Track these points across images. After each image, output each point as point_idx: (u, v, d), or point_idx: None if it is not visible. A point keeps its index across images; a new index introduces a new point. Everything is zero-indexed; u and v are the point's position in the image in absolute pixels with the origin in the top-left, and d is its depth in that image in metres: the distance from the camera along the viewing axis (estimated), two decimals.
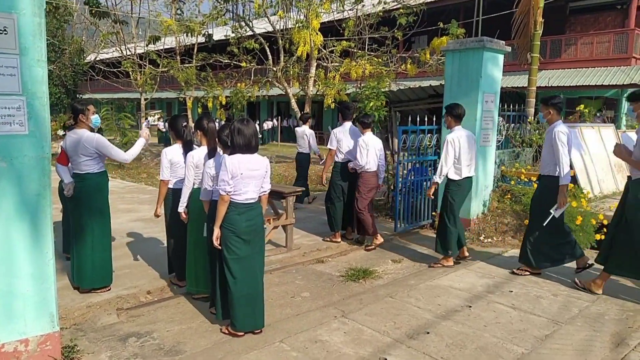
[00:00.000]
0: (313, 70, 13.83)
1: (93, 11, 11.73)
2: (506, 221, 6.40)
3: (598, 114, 15.17)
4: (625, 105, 17.68)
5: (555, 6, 16.76)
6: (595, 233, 5.75)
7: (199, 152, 4.06)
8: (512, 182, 6.94)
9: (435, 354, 3.34)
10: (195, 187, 4.06)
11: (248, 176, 3.43)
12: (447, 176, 5.06)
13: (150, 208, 8.10)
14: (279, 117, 27.54)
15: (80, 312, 3.94)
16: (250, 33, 14.36)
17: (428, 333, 3.65)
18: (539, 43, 9.71)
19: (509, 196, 6.77)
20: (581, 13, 19.91)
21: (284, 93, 14.93)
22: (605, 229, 5.78)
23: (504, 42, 6.71)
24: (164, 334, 3.60)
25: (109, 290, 4.35)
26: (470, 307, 4.16)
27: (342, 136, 6.09)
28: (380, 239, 5.92)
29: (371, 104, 9.00)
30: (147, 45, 15.33)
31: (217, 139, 3.76)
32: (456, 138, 4.95)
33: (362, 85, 11.83)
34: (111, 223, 4.43)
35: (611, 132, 9.19)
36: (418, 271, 5.14)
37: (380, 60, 13.54)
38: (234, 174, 3.36)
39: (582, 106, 9.57)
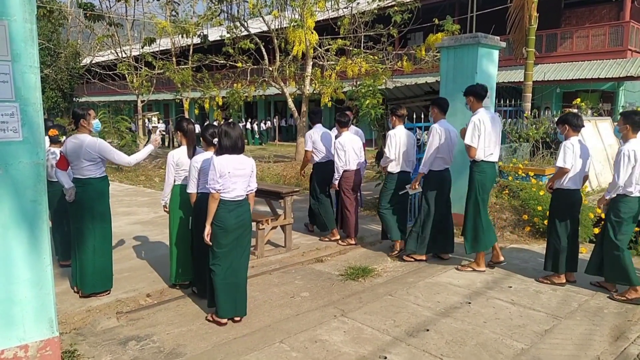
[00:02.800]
0: (309, 69, 13.79)
1: (87, 14, 11.68)
2: (504, 216, 6.41)
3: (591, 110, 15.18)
4: (622, 98, 17.72)
5: (549, 0, 16.77)
6: (593, 227, 5.75)
7: (179, 151, 4.40)
8: (510, 178, 6.95)
9: (435, 351, 3.34)
10: (176, 183, 4.41)
11: (235, 175, 3.66)
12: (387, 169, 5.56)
13: (149, 210, 8.10)
14: (277, 117, 27.51)
15: (80, 316, 3.93)
16: (245, 33, 14.33)
17: (428, 330, 3.66)
18: (534, 37, 9.71)
19: (507, 191, 6.78)
20: (576, 6, 19.90)
21: (280, 92, 14.90)
22: (602, 222, 5.79)
23: (499, 37, 6.71)
24: (164, 337, 3.60)
25: (109, 294, 4.35)
26: (469, 303, 4.17)
27: (317, 137, 6.26)
28: (353, 241, 6.04)
29: (367, 102, 9.01)
30: (142, 48, 15.27)
31: (201, 137, 4.15)
32: (397, 134, 5.44)
33: (358, 83, 11.83)
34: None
35: (608, 125, 9.21)
36: (417, 268, 5.15)
37: (376, 57, 13.52)
38: (222, 173, 3.60)
39: (578, 100, 9.58)
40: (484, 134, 4.77)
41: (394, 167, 5.49)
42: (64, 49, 19.68)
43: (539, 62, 17.35)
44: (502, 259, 5.06)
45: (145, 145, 4.60)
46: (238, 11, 14.01)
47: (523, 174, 6.86)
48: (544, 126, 7.93)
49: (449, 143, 5.15)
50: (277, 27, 13.92)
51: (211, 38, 14.93)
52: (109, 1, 14.28)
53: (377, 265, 5.24)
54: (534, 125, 7.84)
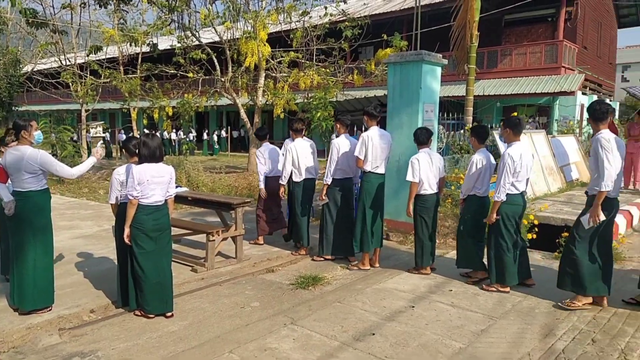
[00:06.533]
0: (262, 80, 13.87)
1: (30, 21, 11.19)
2: (447, 224, 6.72)
3: (530, 120, 16.16)
4: (557, 112, 18.98)
5: (491, 19, 17.78)
6: (527, 232, 6.14)
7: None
8: (453, 187, 7.30)
9: (380, 353, 3.49)
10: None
11: (154, 182, 4.02)
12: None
13: (93, 224, 7.85)
14: (229, 127, 27.33)
15: (19, 334, 3.78)
16: (196, 43, 14.23)
17: (374, 334, 3.80)
18: (475, 55, 10.28)
19: (450, 200, 7.12)
20: (515, 25, 21.20)
21: (232, 103, 14.87)
22: (536, 229, 6.22)
23: (442, 54, 7.08)
24: (110, 352, 3.53)
25: (50, 310, 4.20)
26: (413, 307, 4.36)
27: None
28: (260, 241, 6.63)
29: (319, 114, 9.21)
30: (87, 56, 14.79)
31: (124, 149, 4.45)
32: (293, 147, 6.01)
33: (310, 95, 12.02)
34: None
35: (542, 138, 9.87)
36: (365, 276, 5.31)
37: (327, 70, 13.80)
38: (140, 180, 3.95)
39: (515, 113, 10.22)
40: (372, 148, 5.34)
41: (297, 177, 6.03)
42: (2, 55, 18.72)
43: (480, 78, 18.30)
44: (377, 265, 5.63)
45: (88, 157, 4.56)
46: (189, 21, 13.91)
47: None
48: None
49: (348, 155, 5.62)
50: (229, 38, 13.93)
51: (161, 47, 14.71)
52: (53, 8, 13.79)
53: (327, 273, 5.36)
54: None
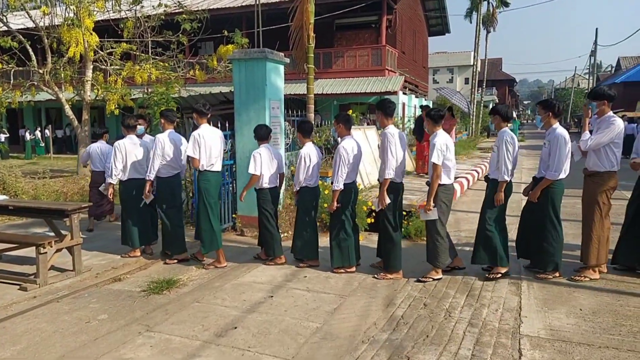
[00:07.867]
0: (89, 73, 12.52)
1: None
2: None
3: (362, 117, 17.84)
4: None
5: (324, 22, 18.98)
6: (367, 217, 6.82)
7: None
8: None
9: (243, 345, 3.55)
10: None
11: None
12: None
13: None
14: (51, 126, 24.11)
15: None
16: (5, 29, 12.20)
17: (236, 328, 3.84)
18: (313, 55, 10.87)
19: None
20: (345, 30, 23.01)
21: (54, 98, 13.14)
22: (374, 213, 6.93)
23: (283, 53, 7.36)
24: None
25: None
26: (272, 297, 4.52)
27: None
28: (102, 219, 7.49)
29: (161, 110, 8.72)
30: None
31: None
32: (122, 144, 5.81)
33: (150, 90, 11.29)
34: None
35: (374, 132, 10.98)
36: (223, 273, 5.29)
37: (167, 65, 13.11)
38: None
39: (351, 111, 11.16)
40: (204, 147, 5.29)
41: (123, 176, 5.86)
42: None
43: (319, 77, 19.45)
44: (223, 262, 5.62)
45: None
46: None
47: None
48: (325, 134, 8.99)
49: (175, 151, 5.61)
50: (47, 24, 12.26)
51: None
52: None
53: (182, 275, 5.19)
54: (317, 134, 8.81)
